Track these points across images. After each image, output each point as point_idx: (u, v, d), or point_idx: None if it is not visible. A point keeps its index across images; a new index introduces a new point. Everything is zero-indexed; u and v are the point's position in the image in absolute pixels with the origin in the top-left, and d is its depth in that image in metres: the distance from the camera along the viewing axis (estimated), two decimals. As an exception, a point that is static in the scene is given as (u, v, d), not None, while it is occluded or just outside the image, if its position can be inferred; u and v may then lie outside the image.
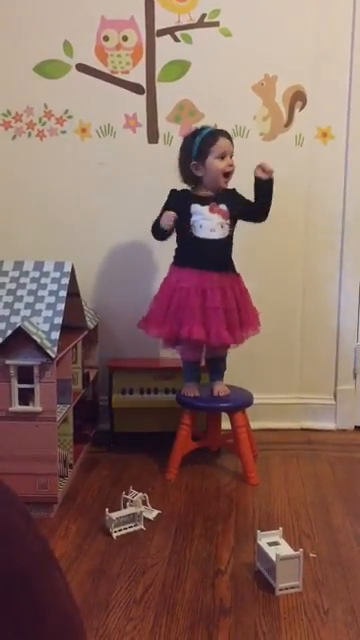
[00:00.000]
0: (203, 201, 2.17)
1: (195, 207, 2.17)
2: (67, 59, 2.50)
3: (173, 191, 2.21)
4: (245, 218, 2.23)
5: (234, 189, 2.21)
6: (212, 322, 2.15)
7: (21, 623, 0.68)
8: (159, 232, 2.18)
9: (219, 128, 2.22)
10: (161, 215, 2.16)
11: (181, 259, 2.24)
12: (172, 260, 2.27)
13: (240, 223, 2.25)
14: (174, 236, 2.23)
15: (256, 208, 2.21)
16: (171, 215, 2.13)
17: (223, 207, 2.18)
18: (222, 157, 2.14)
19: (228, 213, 2.18)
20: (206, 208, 2.17)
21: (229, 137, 2.18)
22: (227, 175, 2.17)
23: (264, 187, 2.17)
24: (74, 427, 2.22)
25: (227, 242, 2.21)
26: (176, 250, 2.26)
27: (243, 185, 2.21)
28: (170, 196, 2.21)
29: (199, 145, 2.15)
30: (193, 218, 2.17)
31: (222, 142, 2.14)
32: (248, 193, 2.21)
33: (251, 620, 1.52)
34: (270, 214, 2.52)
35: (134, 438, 2.49)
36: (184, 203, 2.18)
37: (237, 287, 2.22)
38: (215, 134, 2.16)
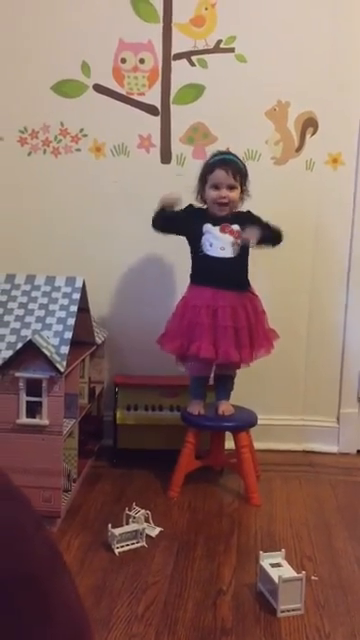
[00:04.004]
0: (215, 221, 2.21)
1: (207, 226, 2.21)
2: (84, 79, 2.55)
3: (190, 205, 2.25)
4: (260, 241, 2.22)
5: (249, 211, 2.24)
6: (221, 340, 2.17)
7: (29, 623, 0.69)
8: (159, 216, 2.21)
9: (225, 157, 2.21)
10: (171, 216, 2.21)
11: (194, 277, 2.27)
12: (185, 277, 2.30)
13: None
14: (188, 255, 2.25)
15: (268, 234, 2.22)
16: (175, 192, 2.17)
17: (235, 227, 2.21)
18: (216, 188, 2.18)
19: (240, 233, 2.21)
20: (217, 228, 2.20)
21: (230, 167, 2.17)
22: (220, 205, 2.19)
23: (263, 241, 2.18)
24: (78, 442, 2.23)
25: (239, 261, 2.23)
26: (191, 269, 2.29)
27: (253, 209, 2.25)
28: (186, 207, 2.24)
29: (202, 171, 2.22)
30: (204, 237, 2.21)
31: (217, 173, 2.18)
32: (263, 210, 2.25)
33: (252, 641, 1.52)
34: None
35: (137, 454, 2.50)
36: (198, 221, 2.22)
37: (250, 306, 2.24)
38: (215, 164, 2.19)
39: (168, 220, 2.22)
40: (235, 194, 2.19)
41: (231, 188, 2.18)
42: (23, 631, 0.68)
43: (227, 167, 2.18)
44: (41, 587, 0.72)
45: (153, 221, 2.24)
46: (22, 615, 0.69)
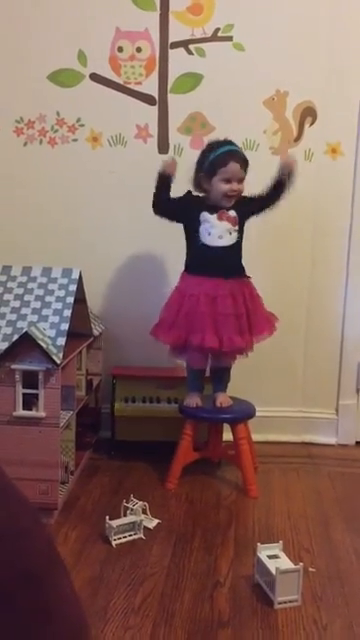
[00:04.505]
0: (212, 209, 2.19)
1: (204, 215, 2.19)
2: (81, 68, 2.52)
3: (189, 192, 2.23)
4: (260, 211, 2.23)
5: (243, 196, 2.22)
6: (224, 329, 2.16)
7: (29, 620, 0.68)
8: (159, 198, 2.18)
9: (234, 148, 2.19)
10: (169, 199, 2.19)
11: (191, 267, 2.25)
12: (182, 268, 2.28)
13: (247, 234, 2.25)
14: (184, 245, 2.24)
15: (268, 199, 2.21)
16: (174, 161, 2.18)
17: (232, 213, 2.19)
18: (227, 181, 2.16)
19: (237, 219, 2.20)
20: (215, 216, 2.19)
21: (242, 160, 2.16)
22: (229, 197, 2.18)
23: (284, 183, 2.19)
24: (76, 434, 2.23)
25: (236, 248, 2.22)
26: (186, 258, 2.27)
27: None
28: (185, 194, 2.22)
29: (211, 161, 2.16)
30: (202, 226, 2.19)
31: (232, 167, 2.14)
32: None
33: (249, 633, 1.52)
34: (277, 228, 2.55)
35: (135, 446, 2.49)
36: (195, 208, 2.20)
37: (247, 291, 2.23)
38: (227, 156, 2.15)
39: (168, 203, 2.19)
40: (242, 187, 2.18)
41: (240, 181, 2.17)
42: (23, 628, 0.68)
43: (240, 160, 2.16)
44: (40, 583, 0.72)
45: (154, 204, 2.20)
46: (22, 612, 0.68)
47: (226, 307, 2.16)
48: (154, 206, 2.21)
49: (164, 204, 2.20)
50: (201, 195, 2.23)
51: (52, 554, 0.78)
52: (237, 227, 2.21)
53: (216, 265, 2.18)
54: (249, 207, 2.21)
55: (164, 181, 2.18)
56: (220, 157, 2.16)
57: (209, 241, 2.19)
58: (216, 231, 2.19)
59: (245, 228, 2.25)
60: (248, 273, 2.28)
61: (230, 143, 2.22)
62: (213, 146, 2.21)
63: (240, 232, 2.22)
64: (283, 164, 2.21)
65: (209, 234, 2.19)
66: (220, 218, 2.18)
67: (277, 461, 2.53)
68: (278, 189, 2.20)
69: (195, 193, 2.23)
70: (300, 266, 2.66)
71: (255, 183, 2.21)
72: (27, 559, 0.71)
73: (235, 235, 2.21)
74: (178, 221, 2.23)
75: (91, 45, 2.51)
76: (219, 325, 2.16)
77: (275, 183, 2.20)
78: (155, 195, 2.19)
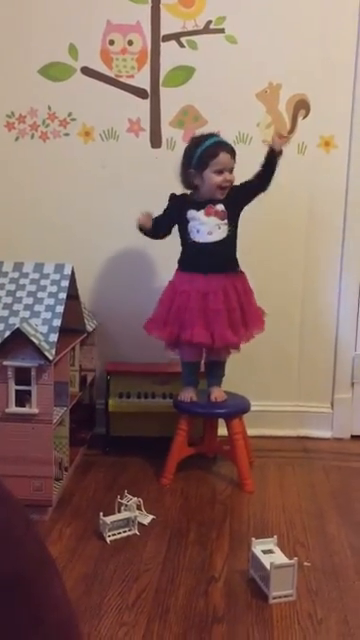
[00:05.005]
0: (199, 205, 2.17)
1: (191, 213, 2.18)
2: (72, 62, 2.50)
3: (172, 195, 2.22)
4: (250, 197, 2.20)
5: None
6: (215, 324, 2.15)
7: (18, 625, 0.68)
8: (147, 233, 2.24)
9: (221, 139, 2.18)
10: (158, 217, 2.22)
11: (183, 264, 2.24)
12: (176, 264, 2.27)
13: (241, 227, 2.24)
14: (178, 241, 2.23)
15: (260, 181, 2.17)
16: (147, 215, 2.19)
17: (220, 207, 2.17)
18: (220, 172, 2.14)
19: (225, 213, 2.18)
20: (202, 212, 2.17)
21: (231, 151, 2.15)
22: (223, 188, 2.16)
23: (274, 158, 2.16)
24: (70, 430, 2.22)
25: (228, 242, 2.21)
26: (180, 254, 2.26)
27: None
28: (170, 200, 2.22)
29: (200, 155, 2.14)
30: (190, 224, 2.18)
31: (222, 157, 2.13)
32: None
33: (244, 628, 1.51)
34: (271, 222, 2.54)
35: (130, 442, 2.48)
36: (181, 208, 2.19)
37: (240, 286, 2.22)
38: (217, 148, 2.13)
39: (160, 228, 2.22)
40: (233, 176, 2.16)
41: (231, 171, 2.15)
42: (14, 633, 0.67)
43: (230, 150, 2.15)
44: (31, 588, 0.72)
45: (152, 237, 2.25)
46: (13, 617, 0.68)
47: (217, 302, 2.15)
48: (153, 238, 2.24)
49: (158, 233, 2.23)
50: (187, 193, 2.21)
51: (42, 558, 0.77)
52: (226, 221, 2.19)
53: (207, 262, 2.17)
54: (240, 195, 2.19)
55: (146, 231, 2.22)
56: (210, 149, 2.14)
57: (199, 238, 2.18)
58: (205, 227, 2.17)
59: (240, 219, 2.22)
60: (242, 267, 2.27)
61: (215, 135, 2.20)
62: (199, 140, 2.19)
63: (232, 225, 2.20)
64: (273, 140, 2.17)
65: (198, 231, 2.18)
66: (208, 213, 2.17)
67: (272, 455, 2.53)
68: (268, 167, 2.16)
69: (178, 193, 2.22)
70: (294, 260, 2.65)
71: (249, 177, 2.19)
72: (12, 563, 0.71)
73: (225, 229, 2.19)
74: (172, 229, 2.24)
75: (82, 38, 2.49)
76: (210, 320, 2.15)
77: (264, 162, 2.17)
78: (147, 235, 2.23)
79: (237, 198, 2.19)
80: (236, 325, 2.18)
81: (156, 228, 2.22)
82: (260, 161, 2.18)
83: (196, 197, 2.20)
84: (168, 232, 2.24)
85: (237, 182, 2.19)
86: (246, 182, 2.20)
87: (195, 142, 2.19)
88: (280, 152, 2.17)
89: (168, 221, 2.22)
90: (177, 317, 2.18)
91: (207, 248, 2.18)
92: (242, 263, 2.28)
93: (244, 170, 2.19)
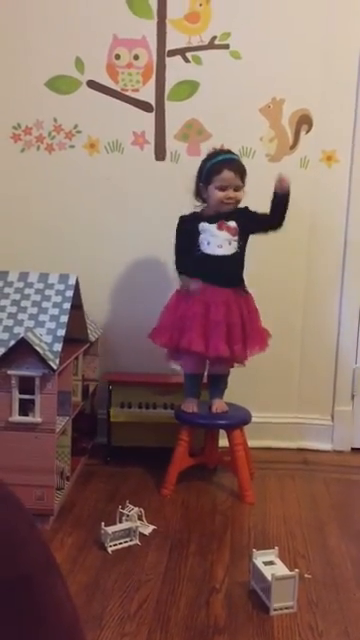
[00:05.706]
0: (211, 219, 2.20)
1: (203, 225, 2.20)
2: (78, 75, 2.54)
3: (182, 218, 2.24)
4: (261, 231, 2.23)
5: (246, 207, 2.23)
6: (212, 335, 2.17)
7: (22, 627, 0.68)
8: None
9: (231, 157, 2.21)
10: (179, 243, 2.23)
11: (190, 274, 2.26)
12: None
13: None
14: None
15: (271, 218, 2.21)
16: (198, 284, 2.19)
17: (232, 224, 2.21)
18: (223, 189, 2.17)
19: (237, 230, 2.21)
20: (214, 225, 2.20)
21: (237, 169, 2.17)
22: (227, 205, 2.19)
23: (281, 199, 2.19)
24: (72, 439, 2.22)
25: (236, 257, 2.23)
26: (188, 265, 2.27)
27: (250, 205, 2.23)
28: (181, 223, 2.23)
29: (207, 170, 2.19)
30: (202, 236, 2.21)
31: (226, 174, 2.16)
32: (258, 208, 2.23)
33: None
34: (273, 235, 2.56)
35: (131, 452, 2.49)
36: (193, 225, 2.22)
37: (244, 304, 2.24)
38: (223, 165, 2.17)
39: (185, 254, 2.23)
40: (240, 194, 2.19)
41: (237, 189, 2.18)
42: (17, 634, 0.68)
43: (235, 168, 2.17)
44: (35, 589, 0.72)
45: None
46: (16, 618, 0.68)
47: (218, 314, 2.17)
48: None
49: (187, 255, 2.23)
50: (199, 207, 2.24)
51: (46, 561, 0.78)
52: (237, 237, 2.21)
53: (214, 273, 2.20)
54: (252, 224, 2.21)
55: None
56: (215, 165, 2.18)
57: (208, 250, 2.21)
58: (215, 240, 2.20)
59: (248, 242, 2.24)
60: (245, 279, 2.29)
61: (228, 152, 2.24)
62: (212, 155, 2.23)
63: (241, 243, 2.22)
64: (276, 183, 2.18)
65: (208, 243, 2.20)
66: (220, 228, 2.20)
67: (273, 467, 2.54)
68: (276, 210, 2.19)
69: (188, 213, 2.24)
70: (296, 273, 2.67)
71: (252, 190, 2.21)
72: (17, 566, 0.71)
73: (235, 245, 2.21)
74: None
75: (88, 52, 2.52)
76: (208, 331, 2.17)
77: (272, 205, 2.19)
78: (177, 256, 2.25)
79: (248, 225, 2.21)
80: (234, 340, 2.19)
81: (185, 254, 2.22)
82: (266, 181, 2.19)
83: (206, 210, 2.23)
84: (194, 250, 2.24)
85: (247, 201, 2.21)
86: (261, 214, 2.21)
87: (208, 157, 2.24)
88: (287, 194, 2.18)
89: (188, 239, 2.22)
90: (179, 324, 2.21)
91: (215, 260, 2.21)
92: (244, 275, 2.30)
93: (247, 184, 2.21)
